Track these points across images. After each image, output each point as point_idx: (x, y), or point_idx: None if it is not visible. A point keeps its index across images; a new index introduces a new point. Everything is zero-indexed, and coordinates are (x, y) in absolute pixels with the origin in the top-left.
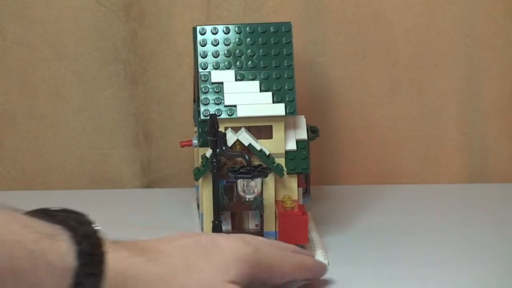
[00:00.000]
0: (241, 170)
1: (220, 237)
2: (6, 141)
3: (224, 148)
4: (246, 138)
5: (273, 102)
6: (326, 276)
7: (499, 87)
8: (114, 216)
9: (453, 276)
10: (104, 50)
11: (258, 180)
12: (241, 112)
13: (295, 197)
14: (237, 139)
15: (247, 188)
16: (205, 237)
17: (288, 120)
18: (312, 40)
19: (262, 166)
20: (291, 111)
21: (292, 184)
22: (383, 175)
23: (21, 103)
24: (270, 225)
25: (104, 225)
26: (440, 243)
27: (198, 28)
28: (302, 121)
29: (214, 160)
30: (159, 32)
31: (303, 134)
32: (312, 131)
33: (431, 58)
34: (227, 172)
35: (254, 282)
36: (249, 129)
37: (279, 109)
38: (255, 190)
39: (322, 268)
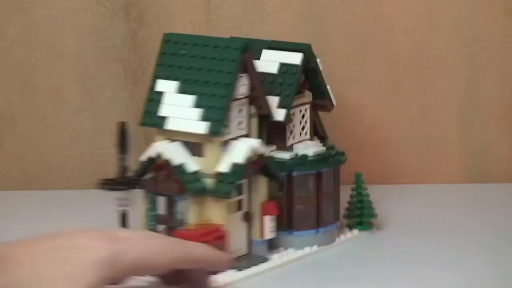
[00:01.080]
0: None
1: (83, 237)
2: (6, 141)
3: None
4: (169, 150)
5: (201, 119)
6: (326, 276)
7: (499, 87)
8: (114, 216)
9: (453, 276)
10: (104, 50)
11: (130, 193)
12: (170, 125)
13: (217, 220)
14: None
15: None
16: (66, 239)
17: (233, 141)
18: (312, 40)
19: (131, 179)
20: (213, 131)
21: (216, 208)
22: (383, 175)
23: (21, 103)
24: None
25: (104, 225)
26: (440, 243)
27: (166, 35)
28: (248, 144)
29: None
30: (159, 32)
31: (239, 158)
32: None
33: (431, 58)
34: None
35: (122, 279)
36: (186, 144)
37: (201, 127)
38: (126, 203)
39: (222, 259)
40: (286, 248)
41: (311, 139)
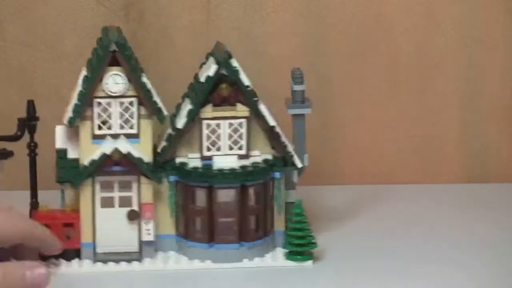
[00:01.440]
0: None
1: None
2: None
3: None
4: (58, 135)
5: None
6: (326, 276)
7: (499, 87)
8: None
9: (453, 276)
10: None
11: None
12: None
13: (80, 208)
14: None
15: None
16: None
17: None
18: (312, 40)
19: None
20: (68, 121)
21: (78, 196)
22: (383, 175)
23: (21, 103)
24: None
25: None
26: (440, 243)
27: None
28: (111, 142)
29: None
30: (159, 32)
31: (96, 154)
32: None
33: (431, 58)
34: None
35: None
36: None
37: (66, 118)
38: None
39: (55, 243)
40: (178, 255)
41: (247, 154)
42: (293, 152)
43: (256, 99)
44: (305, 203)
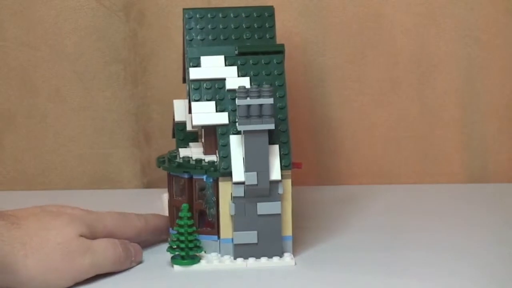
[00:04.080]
0: None
1: (65, 207)
2: (6, 141)
3: None
4: None
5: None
6: (326, 276)
7: (499, 87)
8: None
9: (453, 276)
10: (104, 50)
11: None
12: None
13: None
14: None
15: None
16: (51, 207)
17: None
18: (312, 40)
19: None
20: None
21: None
22: (383, 175)
23: (21, 103)
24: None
25: None
26: (440, 243)
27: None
28: None
29: None
30: (159, 32)
31: None
32: None
33: (431, 58)
34: None
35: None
36: None
37: None
38: None
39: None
40: None
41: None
42: (218, 160)
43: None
44: (304, 203)
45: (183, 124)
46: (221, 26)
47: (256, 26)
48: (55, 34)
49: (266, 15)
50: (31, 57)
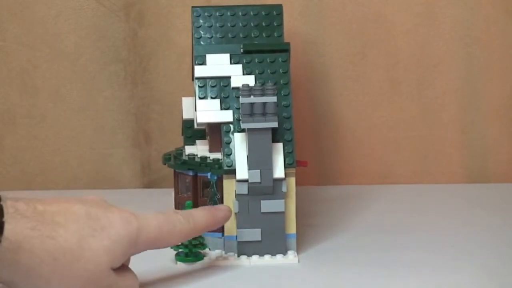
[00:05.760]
0: None
1: (111, 208)
2: (6, 141)
3: None
4: None
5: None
6: (329, 274)
7: (499, 87)
8: None
9: (452, 276)
10: (104, 50)
11: None
12: None
13: None
14: None
15: None
16: (97, 208)
17: None
18: (312, 40)
19: None
20: None
21: None
22: (383, 175)
23: (21, 103)
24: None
25: None
26: (440, 243)
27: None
28: None
29: None
30: (159, 32)
31: None
32: None
33: (431, 58)
34: None
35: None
36: None
37: None
38: None
39: (223, 214)
40: None
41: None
42: (222, 158)
43: None
44: (304, 202)
45: (191, 121)
46: (229, 24)
47: (264, 25)
48: (55, 34)
49: (275, 13)
50: (31, 57)
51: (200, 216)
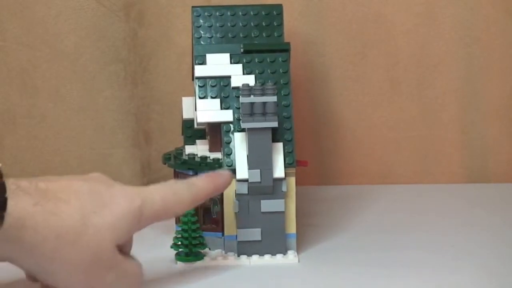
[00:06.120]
0: None
1: (115, 185)
2: (6, 141)
3: None
4: None
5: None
6: (329, 274)
7: (499, 87)
8: None
9: (452, 276)
10: (104, 50)
11: None
12: None
13: None
14: None
15: None
16: (100, 185)
17: None
18: (312, 40)
19: None
20: None
21: None
22: (383, 175)
23: (21, 103)
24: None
25: None
26: (440, 243)
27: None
28: None
29: None
30: (159, 32)
31: None
32: None
33: (431, 58)
34: None
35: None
36: None
37: None
38: None
39: (224, 180)
40: None
41: None
42: (222, 158)
43: None
44: (304, 202)
45: (191, 121)
46: (229, 24)
47: (264, 24)
48: (55, 34)
49: (275, 13)
50: (31, 57)
51: (202, 183)
